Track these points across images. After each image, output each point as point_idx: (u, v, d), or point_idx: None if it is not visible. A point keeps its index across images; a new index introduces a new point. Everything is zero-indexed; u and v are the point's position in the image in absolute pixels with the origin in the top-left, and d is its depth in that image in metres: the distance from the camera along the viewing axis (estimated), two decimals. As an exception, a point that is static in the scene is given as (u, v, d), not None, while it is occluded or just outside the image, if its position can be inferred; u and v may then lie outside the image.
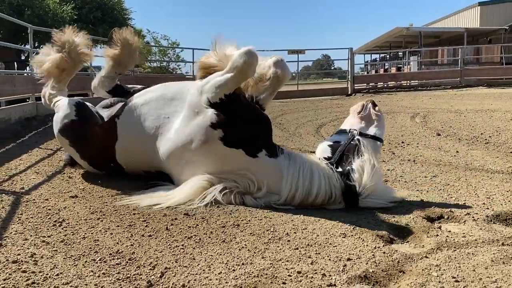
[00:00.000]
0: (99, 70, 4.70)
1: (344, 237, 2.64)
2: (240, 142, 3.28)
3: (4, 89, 7.71)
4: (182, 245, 2.53)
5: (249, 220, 2.96)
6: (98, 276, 2.08)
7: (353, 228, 2.78)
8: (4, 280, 2.01)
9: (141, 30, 35.34)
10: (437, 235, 2.70)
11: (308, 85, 25.24)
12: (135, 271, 2.15)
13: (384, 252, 2.40)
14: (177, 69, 38.89)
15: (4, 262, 2.21)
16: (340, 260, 2.29)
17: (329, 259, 2.30)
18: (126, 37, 4.27)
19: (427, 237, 2.69)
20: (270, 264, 2.24)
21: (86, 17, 25.57)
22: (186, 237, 2.68)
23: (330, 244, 2.53)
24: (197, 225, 2.90)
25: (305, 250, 2.44)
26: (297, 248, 2.46)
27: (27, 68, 25.53)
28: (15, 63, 23.37)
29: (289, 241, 2.59)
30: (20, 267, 2.15)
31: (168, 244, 2.55)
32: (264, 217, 3.01)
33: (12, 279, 2.02)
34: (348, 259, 2.30)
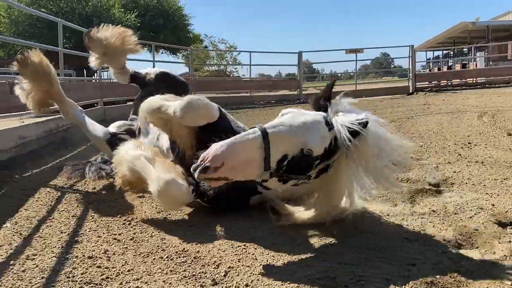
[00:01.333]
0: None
1: (407, 242, 2.57)
2: None
3: (76, 95, 8.24)
4: (244, 245, 2.59)
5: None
6: (166, 273, 2.19)
7: (417, 232, 2.70)
8: (82, 274, 2.17)
9: (199, 35, 36.38)
10: (510, 241, 2.56)
11: (366, 84, 24.64)
12: (200, 269, 2.23)
13: (451, 258, 2.32)
14: (234, 72, 39.67)
15: (80, 257, 2.38)
16: (403, 265, 2.24)
17: (392, 264, 2.26)
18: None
19: (499, 243, 2.56)
20: (332, 267, 2.24)
21: (149, 24, 26.66)
22: (247, 237, 2.74)
23: (392, 248, 2.47)
24: (256, 226, 2.94)
25: (366, 254, 2.41)
26: (358, 252, 2.43)
27: (95, 74, 27.14)
28: (84, 70, 24.86)
29: (350, 244, 2.56)
30: (95, 263, 2.30)
31: (231, 243, 2.62)
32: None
33: (89, 274, 2.18)
34: (413, 265, 2.24)
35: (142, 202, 3.55)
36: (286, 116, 2.59)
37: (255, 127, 2.45)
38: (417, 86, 19.26)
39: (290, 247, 2.55)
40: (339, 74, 54.24)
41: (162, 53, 31.86)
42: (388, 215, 3.10)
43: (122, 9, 25.32)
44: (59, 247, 2.53)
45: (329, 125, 2.52)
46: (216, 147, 2.28)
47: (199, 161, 2.27)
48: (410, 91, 18.79)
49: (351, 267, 2.22)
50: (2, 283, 2.08)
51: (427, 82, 20.95)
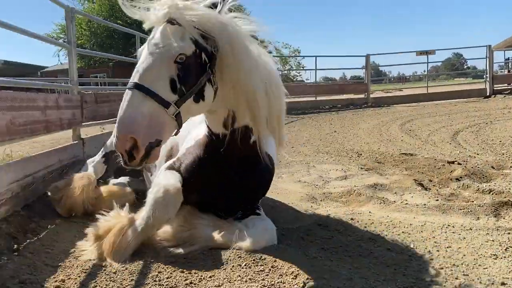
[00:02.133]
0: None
1: (495, 258, 2.44)
2: None
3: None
4: (320, 256, 2.59)
5: (386, 235, 2.90)
6: (245, 281, 2.24)
7: (506, 249, 2.55)
8: (167, 278, 2.29)
9: (263, 40, 36.73)
10: None
11: (438, 87, 23.52)
12: (278, 279, 2.26)
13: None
14: (297, 76, 39.54)
15: (164, 261, 2.51)
16: (493, 284, 2.13)
17: (480, 282, 2.16)
18: None
19: None
20: (414, 283, 2.18)
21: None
22: (322, 248, 2.74)
23: (480, 265, 2.36)
24: (332, 237, 2.93)
25: (451, 270, 2.32)
26: (442, 268, 2.35)
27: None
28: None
29: (432, 259, 2.48)
30: (178, 268, 2.42)
31: (306, 254, 2.64)
32: (402, 232, 2.93)
33: (173, 278, 2.29)
34: (502, 284, 2.12)
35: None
36: None
37: None
38: (495, 88, 18.07)
39: (367, 260, 2.51)
40: (408, 76, 52.26)
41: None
42: (470, 229, 2.96)
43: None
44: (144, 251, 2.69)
45: None
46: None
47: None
48: (488, 94, 17.66)
49: (436, 284, 2.15)
50: (97, 283, 2.25)
51: (506, 84, 19.57)
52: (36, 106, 3.88)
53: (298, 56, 32.01)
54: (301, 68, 32.74)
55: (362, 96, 18.06)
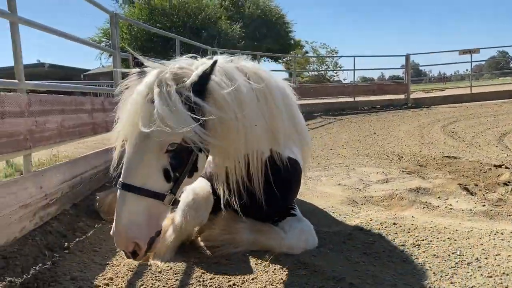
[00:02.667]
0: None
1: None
2: None
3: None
4: (363, 261, 2.57)
5: (431, 241, 2.83)
6: (288, 285, 2.25)
7: None
8: (211, 279, 2.33)
9: (300, 40, 36.60)
10: None
11: (482, 87, 22.65)
12: (320, 283, 2.26)
13: None
14: (334, 77, 39.12)
15: (207, 262, 2.56)
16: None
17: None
18: None
19: None
20: (464, 291, 2.12)
21: (253, 34, 27.53)
22: (364, 253, 2.71)
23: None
24: (374, 241, 2.89)
25: (501, 279, 2.24)
26: (491, 276, 2.27)
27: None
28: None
29: (480, 267, 2.40)
30: (221, 269, 2.46)
31: (348, 259, 2.61)
32: (448, 238, 2.85)
33: (217, 279, 2.33)
34: None
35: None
36: None
37: None
38: (544, 87, 17.23)
39: (411, 266, 2.47)
40: (449, 76, 50.61)
41: (264, 61, 32.70)
42: (521, 237, 2.84)
43: (228, 21, 26.50)
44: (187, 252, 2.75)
45: None
46: None
47: None
48: (536, 94, 16.86)
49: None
50: (143, 282, 2.32)
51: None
52: (84, 109, 4.04)
53: (335, 56, 31.56)
54: (339, 68, 32.33)
55: (402, 96, 17.64)
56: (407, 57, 17.50)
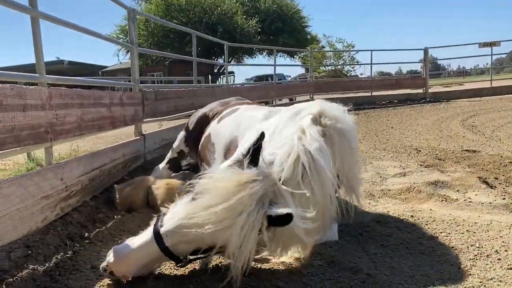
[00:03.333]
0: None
1: None
2: None
3: (206, 101, 8.85)
4: (380, 253, 2.56)
5: (449, 233, 2.80)
6: (305, 275, 2.26)
7: None
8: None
9: (316, 35, 36.38)
10: None
11: (503, 80, 22.18)
12: (337, 273, 2.26)
13: None
14: (351, 71, 38.78)
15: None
16: None
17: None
18: None
19: None
20: (480, 282, 2.10)
21: (268, 29, 27.48)
22: (381, 245, 2.70)
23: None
24: (392, 234, 2.88)
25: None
26: (511, 268, 2.24)
27: (220, 79, 28.85)
28: (209, 75, 26.56)
29: (499, 259, 2.37)
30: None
31: (365, 250, 2.61)
32: (467, 231, 2.82)
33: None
34: None
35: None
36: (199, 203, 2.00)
37: (156, 225, 2.10)
38: None
39: (429, 258, 2.45)
40: (468, 70, 49.63)
41: (280, 56, 32.60)
42: (542, 229, 2.79)
43: (244, 16, 26.49)
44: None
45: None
46: (114, 258, 2.07)
47: (104, 263, 2.14)
48: (559, 87, 16.46)
49: (504, 285, 2.06)
50: (161, 271, 2.36)
51: None
52: (102, 103, 4.10)
53: (352, 50, 31.28)
54: (356, 63, 32.03)
55: (420, 91, 17.42)
56: (426, 50, 17.25)
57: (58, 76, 3.59)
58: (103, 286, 2.20)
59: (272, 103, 15.45)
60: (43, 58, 3.19)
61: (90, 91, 3.92)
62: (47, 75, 3.21)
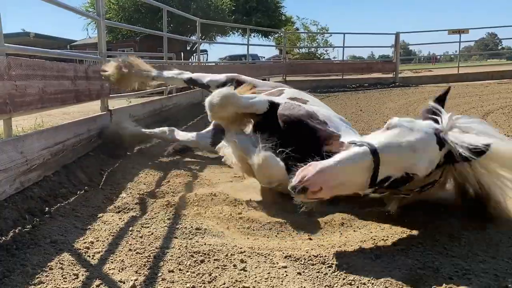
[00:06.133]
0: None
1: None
2: None
3: (177, 77, 8.72)
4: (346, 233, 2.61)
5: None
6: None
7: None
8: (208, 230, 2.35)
9: (291, 17, 36.20)
10: None
11: (469, 67, 22.78)
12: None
13: None
14: (324, 55, 38.88)
15: (189, 228, 2.57)
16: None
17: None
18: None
19: None
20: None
21: (243, 7, 27.11)
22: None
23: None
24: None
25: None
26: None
27: (192, 57, 28.40)
28: (182, 53, 26.07)
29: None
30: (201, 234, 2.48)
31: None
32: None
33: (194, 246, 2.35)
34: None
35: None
36: (394, 132, 2.32)
37: (363, 145, 2.24)
38: (530, 69, 17.40)
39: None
40: (438, 56, 50.68)
41: (253, 36, 32.30)
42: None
43: (218, -7, 26.00)
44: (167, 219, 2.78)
45: (441, 143, 2.32)
46: (316, 169, 2.11)
47: (297, 179, 2.13)
48: (522, 75, 17.03)
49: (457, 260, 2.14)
50: (124, 245, 2.34)
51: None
52: (66, 76, 3.98)
53: (326, 33, 31.33)
54: (329, 46, 32.10)
55: (390, 75, 17.70)
56: (397, 35, 17.46)
57: (19, 46, 3.45)
58: (62, 261, 2.16)
59: (244, 83, 15.37)
60: (1, 26, 3.03)
61: (53, 63, 3.78)
62: (7, 44, 3.07)
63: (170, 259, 2.17)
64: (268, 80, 16.44)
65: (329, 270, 2.05)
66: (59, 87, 3.78)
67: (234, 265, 2.10)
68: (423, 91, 13.41)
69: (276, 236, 2.55)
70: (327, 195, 2.19)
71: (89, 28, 28.69)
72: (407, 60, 37.88)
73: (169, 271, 2.05)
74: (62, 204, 3.03)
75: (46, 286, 1.93)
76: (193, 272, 2.04)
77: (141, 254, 2.24)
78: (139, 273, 2.04)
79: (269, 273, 2.03)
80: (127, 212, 2.94)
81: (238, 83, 4.19)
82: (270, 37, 34.15)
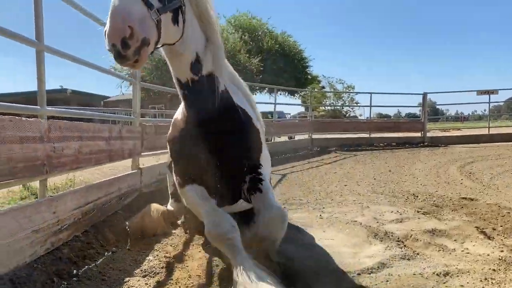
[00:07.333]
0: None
1: None
2: None
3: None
4: None
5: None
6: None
7: None
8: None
9: (317, 76, 37.02)
10: None
11: (501, 128, 22.38)
12: None
13: None
14: (350, 112, 39.21)
15: None
16: None
17: None
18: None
19: None
20: None
21: (270, 68, 27.92)
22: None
23: None
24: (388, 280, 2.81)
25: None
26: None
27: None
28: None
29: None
30: None
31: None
32: (461, 285, 2.75)
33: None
34: None
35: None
36: None
37: None
38: None
39: None
40: (466, 115, 50.17)
41: (280, 94, 32.98)
42: None
43: (247, 54, 26.98)
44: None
45: None
46: None
47: None
48: (557, 137, 16.56)
49: None
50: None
51: None
52: (102, 136, 4.11)
53: (352, 92, 31.75)
54: (355, 104, 32.42)
55: (418, 134, 17.54)
56: (424, 96, 17.51)
57: (58, 108, 3.62)
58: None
59: (271, 140, 15.52)
60: (45, 89, 3.21)
61: (90, 124, 3.94)
62: (47, 107, 3.23)
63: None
64: (294, 138, 16.55)
65: None
66: (94, 147, 3.90)
67: None
68: (453, 152, 13.18)
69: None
70: None
71: (122, 86, 29.98)
72: (434, 119, 37.60)
73: None
74: (90, 266, 3.03)
75: None
76: None
77: None
78: None
79: None
80: (153, 277, 2.91)
81: None
82: (296, 95, 34.80)
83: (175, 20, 2.28)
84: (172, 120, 3.07)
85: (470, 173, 8.44)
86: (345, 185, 7.35)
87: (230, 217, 2.55)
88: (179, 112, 2.93)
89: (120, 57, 1.95)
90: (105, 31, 1.91)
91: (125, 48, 1.90)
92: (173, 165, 3.02)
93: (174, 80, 2.67)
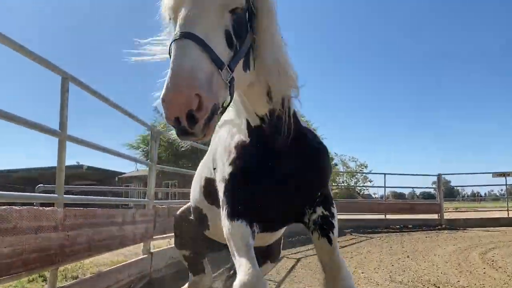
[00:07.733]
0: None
1: None
2: None
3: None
4: None
5: None
6: None
7: None
8: None
9: (330, 153, 37.31)
10: None
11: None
12: None
13: None
14: (364, 190, 38.87)
15: None
16: None
17: None
18: None
19: None
20: None
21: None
22: None
23: None
24: None
25: None
26: None
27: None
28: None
29: None
30: None
31: None
32: None
33: None
34: None
35: None
36: None
37: None
38: None
39: None
40: (482, 195, 49.22)
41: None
42: None
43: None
44: None
45: None
46: None
47: None
48: None
49: None
50: None
51: None
52: (115, 221, 4.10)
53: (366, 173, 31.76)
54: (369, 183, 32.25)
55: (435, 216, 17.12)
56: (439, 177, 17.36)
57: (75, 196, 3.64)
58: None
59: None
60: (64, 177, 3.27)
61: (104, 210, 3.95)
62: (65, 195, 3.26)
63: None
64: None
65: None
66: (107, 233, 3.88)
67: None
68: (472, 236, 12.75)
69: None
70: None
71: (137, 164, 30.51)
72: (450, 199, 36.92)
73: None
74: None
75: None
76: None
77: None
78: None
79: None
80: None
81: None
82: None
83: (246, 65, 1.92)
84: (233, 145, 2.45)
85: (492, 261, 8.08)
86: (362, 273, 7.06)
87: (262, 276, 2.23)
88: (241, 138, 2.43)
89: (185, 134, 1.59)
90: (163, 99, 1.52)
91: (192, 124, 1.55)
92: (224, 195, 2.43)
93: (244, 120, 2.33)
